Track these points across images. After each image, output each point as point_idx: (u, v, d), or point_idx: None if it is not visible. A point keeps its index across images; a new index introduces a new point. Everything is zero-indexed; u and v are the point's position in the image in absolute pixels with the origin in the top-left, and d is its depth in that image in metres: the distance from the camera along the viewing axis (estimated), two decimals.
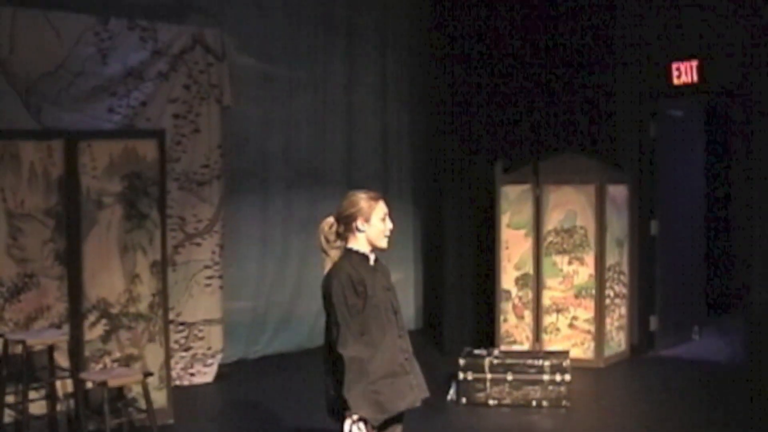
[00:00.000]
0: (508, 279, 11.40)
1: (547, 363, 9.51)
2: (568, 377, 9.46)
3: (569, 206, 11.17)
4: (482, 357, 9.63)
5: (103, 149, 8.66)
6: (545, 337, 11.23)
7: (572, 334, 11.16)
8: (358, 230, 5.35)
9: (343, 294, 5.19)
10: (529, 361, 9.57)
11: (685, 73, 11.15)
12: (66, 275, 8.54)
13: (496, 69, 11.90)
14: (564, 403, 9.44)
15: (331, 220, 5.42)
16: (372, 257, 5.43)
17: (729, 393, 9.92)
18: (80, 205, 8.57)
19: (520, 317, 11.34)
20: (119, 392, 8.31)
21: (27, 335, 8.15)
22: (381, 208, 5.41)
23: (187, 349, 10.43)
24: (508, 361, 9.58)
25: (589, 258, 11.12)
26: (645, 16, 11.53)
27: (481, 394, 9.54)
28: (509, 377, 9.50)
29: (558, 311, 11.19)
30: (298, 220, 11.88)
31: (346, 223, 5.37)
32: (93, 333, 8.66)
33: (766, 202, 10.41)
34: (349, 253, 5.36)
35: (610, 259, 11.24)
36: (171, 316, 9.65)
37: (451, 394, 9.67)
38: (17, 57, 9.20)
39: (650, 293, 11.77)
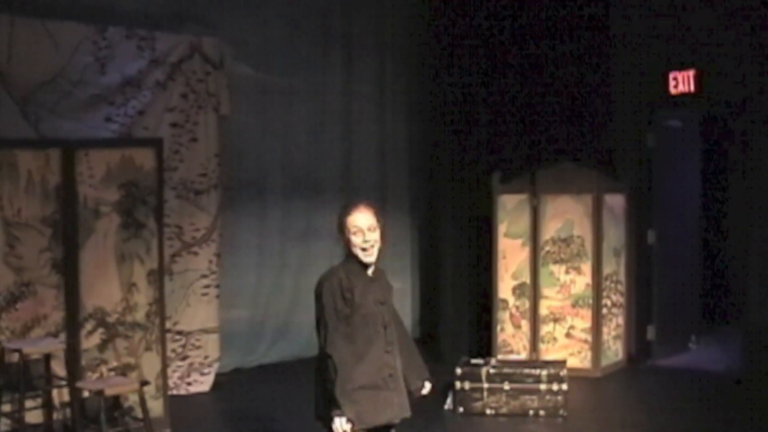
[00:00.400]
0: (505, 288, 11.40)
1: (544, 372, 9.50)
2: (565, 387, 9.46)
3: (566, 216, 11.18)
4: (479, 366, 9.62)
5: (100, 158, 8.66)
6: (542, 346, 11.23)
7: (569, 344, 11.16)
8: (343, 240, 5.44)
9: (332, 298, 5.27)
10: (526, 371, 9.56)
11: (682, 82, 11.16)
12: (63, 284, 8.54)
13: (493, 79, 11.91)
14: (561, 412, 9.44)
15: None
16: (371, 268, 5.47)
17: (726, 403, 9.92)
18: (77, 213, 8.57)
19: (518, 327, 11.34)
20: (116, 401, 8.30)
21: (24, 344, 8.14)
22: (351, 221, 5.43)
23: (183, 358, 10.42)
24: (506, 370, 9.58)
25: (587, 267, 11.12)
26: (642, 26, 11.54)
27: (478, 404, 9.53)
28: (506, 387, 9.50)
29: (555, 320, 11.19)
30: (295, 229, 11.89)
31: (340, 234, 5.50)
32: (90, 342, 8.65)
33: (763, 211, 10.42)
34: (347, 259, 5.42)
35: (608, 269, 11.25)
36: (168, 325, 9.64)
37: (448, 403, 9.67)
38: (15, 66, 9.20)
39: (647, 303, 11.76)
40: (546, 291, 11.24)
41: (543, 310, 11.24)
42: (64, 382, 8.45)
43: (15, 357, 8.04)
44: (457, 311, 11.96)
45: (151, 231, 8.90)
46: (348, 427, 5.15)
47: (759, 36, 10.38)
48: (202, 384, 10.52)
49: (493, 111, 11.95)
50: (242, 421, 9.50)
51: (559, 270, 11.21)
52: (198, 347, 10.51)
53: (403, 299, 13.42)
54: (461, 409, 9.55)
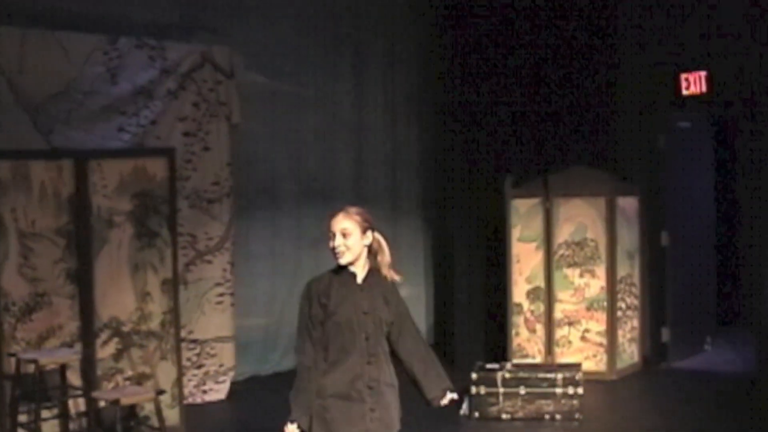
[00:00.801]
0: (519, 292, 11.38)
1: (559, 376, 9.49)
2: (580, 390, 9.45)
3: (579, 219, 11.17)
4: (494, 371, 9.62)
5: (113, 168, 8.69)
6: (557, 350, 11.21)
7: (584, 347, 11.14)
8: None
9: (308, 302, 5.23)
10: (542, 375, 9.55)
11: (693, 84, 11.14)
12: (77, 294, 8.57)
13: (504, 83, 11.91)
14: (577, 416, 9.43)
15: None
16: (361, 276, 5.32)
17: (742, 404, 9.90)
18: (91, 224, 8.60)
19: (532, 331, 11.32)
20: (132, 410, 8.32)
21: (39, 354, 8.17)
22: (329, 226, 5.30)
23: (199, 367, 10.43)
24: (521, 374, 9.57)
25: (600, 270, 11.11)
26: (652, 27, 11.52)
27: (493, 408, 9.52)
28: (522, 391, 9.49)
29: (570, 324, 11.18)
30: (308, 236, 11.88)
31: None
32: (105, 351, 8.68)
33: None
34: (338, 267, 5.31)
35: (621, 272, 11.23)
36: (183, 333, 9.65)
37: (464, 408, 9.65)
38: (26, 77, 9.23)
39: (662, 305, 11.74)
40: (560, 294, 11.22)
41: (557, 314, 11.23)
42: (79, 392, 8.48)
43: (31, 368, 8.06)
44: (472, 316, 11.95)
45: (164, 240, 8.93)
46: (293, 428, 5.11)
47: None
48: (218, 392, 10.53)
49: (504, 115, 11.94)
50: (258, 429, 9.50)
51: (573, 273, 11.20)
52: (213, 356, 10.52)
53: (417, 304, 13.42)
54: (477, 414, 9.54)
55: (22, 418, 8.25)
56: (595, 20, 11.75)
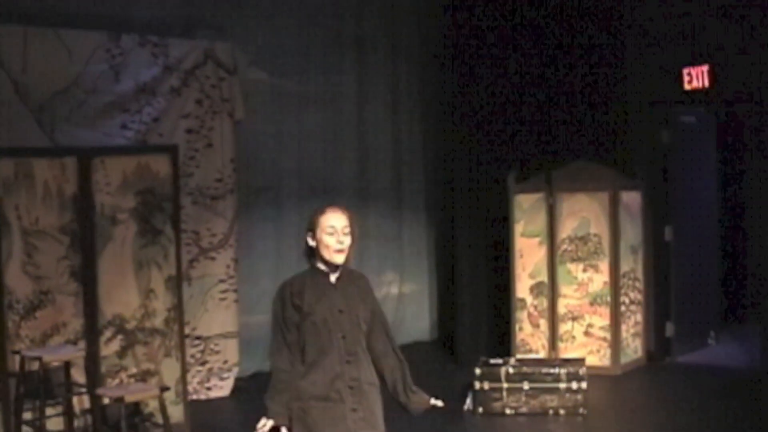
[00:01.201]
0: (522, 288, 11.39)
1: (563, 371, 9.50)
2: (584, 385, 9.45)
3: (583, 214, 11.17)
4: (498, 366, 9.62)
5: (116, 166, 8.70)
6: (561, 345, 11.22)
7: (588, 342, 11.15)
8: (309, 245, 5.25)
9: (281, 305, 5.19)
10: (545, 370, 9.56)
11: (696, 78, 11.12)
12: (81, 292, 8.57)
13: (506, 79, 11.90)
14: (581, 410, 9.43)
15: None
16: (334, 275, 5.25)
17: (747, 399, 9.89)
18: (94, 221, 8.61)
19: (536, 326, 11.33)
20: (136, 407, 8.33)
21: (43, 352, 8.18)
22: (326, 220, 5.21)
23: (203, 364, 10.45)
24: (524, 369, 9.58)
25: (604, 265, 11.11)
26: (655, 22, 11.51)
27: (497, 404, 9.53)
28: (525, 386, 9.50)
29: (573, 319, 11.18)
30: None
31: (306, 241, 5.32)
32: (109, 349, 8.68)
33: None
34: (311, 267, 5.27)
35: (625, 266, 11.23)
36: (187, 330, 9.65)
37: (468, 404, 9.67)
38: (29, 76, 9.24)
39: (666, 299, 11.74)
40: (564, 289, 11.23)
41: (561, 309, 11.23)
42: (84, 390, 8.48)
43: (35, 365, 8.07)
44: (475, 311, 11.94)
45: (168, 237, 8.94)
46: (269, 423, 5.10)
47: None
48: (222, 389, 10.55)
49: (507, 111, 11.93)
50: None
51: (576, 268, 11.20)
52: (217, 352, 10.53)
53: (421, 300, 13.47)
54: (481, 410, 9.55)
55: (27, 415, 8.26)
56: (599, 15, 11.74)
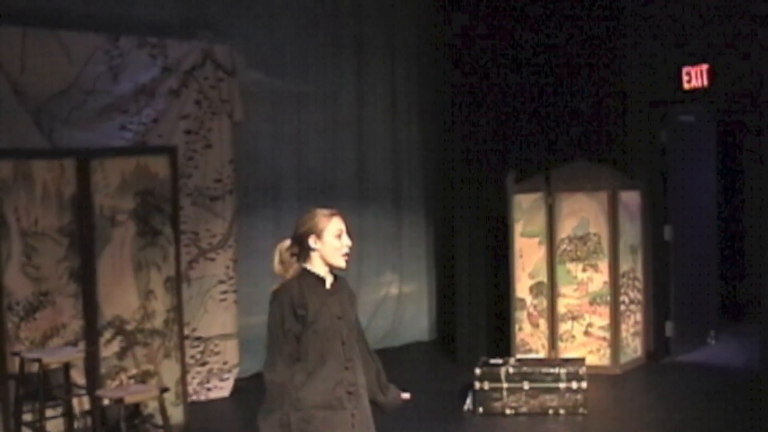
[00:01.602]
0: (522, 287, 11.39)
1: (563, 371, 9.50)
2: (584, 385, 9.45)
3: (582, 213, 11.17)
4: (498, 366, 9.62)
5: (115, 167, 8.70)
6: (561, 344, 11.22)
7: (588, 342, 11.15)
8: (311, 249, 5.11)
9: (281, 316, 5.03)
10: (545, 370, 9.56)
11: (695, 77, 11.13)
12: (81, 293, 8.58)
13: (505, 79, 11.90)
14: (581, 410, 9.43)
15: (287, 242, 5.24)
16: (329, 280, 5.15)
17: (746, 398, 9.89)
18: (94, 223, 8.61)
19: (535, 325, 11.33)
20: (136, 409, 8.33)
21: (43, 353, 8.18)
22: (335, 224, 5.12)
23: (203, 364, 10.44)
24: (524, 369, 9.58)
25: (603, 265, 11.11)
26: (654, 21, 11.52)
27: (497, 404, 9.53)
28: (525, 386, 9.49)
29: (573, 319, 11.18)
30: None
31: (300, 242, 5.17)
32: (109, 350, 8.69)
33: None
34: (303, 273, 5.13)
35: (624, 266, 11.23)
36: (186, 331, 9.66)
37: (468, 404, 9.67)
38: (28, 77, 9.24)
39: (665, 299, 11.74)
40: (563, 289, 11.23)
41: (561, 309, 11.23)
42: (83, 391, 8.49)
43: (35, 366, 8.07)
44: (475, 311, 11.94)
45: (167, 238, 8.94)
46: None
47: None
48: (222, 390, 10.55)
49: (506, 111, 11.94)
50: None
51: (576, 268, 11.20)
52: (217, 353, 10.53)
53: (420, 301, 13.47)
54: (481, 410, 9.54)
55: (27, 417, 8.26)
56: (598, 15, 11.74)
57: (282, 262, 5.22)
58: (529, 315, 11.36)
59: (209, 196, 10.47)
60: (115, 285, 8.68)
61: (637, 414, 9.64)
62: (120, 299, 8.72)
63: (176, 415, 8.86)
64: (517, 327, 11.42)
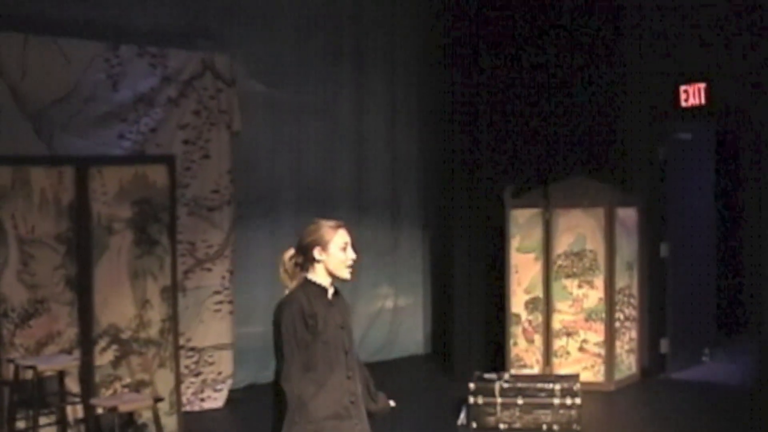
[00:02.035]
0: (517, 303, 11.38)
1: (557, 387, 9.49)
2: (578, 401, 9.45)
3: (579, 230, 11.17)
4: (492, 381, 9.62)
5: (113, 175, 8.70)
6: (555, 360, 11.21)
7: (582, 358, 11.14)
8: (315, 260, 5.13)
9: (293, 326, 4.98)
10: (540, 385, 9.55)
11: (693, 95, 11.15)
12: (77, 301, 8.57)
13: (504, 94, 11.90)
14: (575, 426, 9.42)
15: (291, 250, 5.25)
16: (331, 291, 5.17)
17: (741, 416, 9.89)
18: (91, 230, 8.61)
19: (530, 341, 11.32)
20: (130, 418, 8.31)
21: (38, 361, 8.17)
22: (341, 237, 5.16)
23: (197, 374, 10.42)
24: (519, 385, 9.58)
25: (599, 281, 11.11)
26: (652, 39, 11.55)
27: (491, 419, 9.52)
28: (520, 401, 9.49)
29: (568, 335, 11.17)
30: None
31: (305, 253, 5.17)
32: (103, 358, 8.68)
33: None
34: (306, 283, 5.14)
35: (620, 282, 11.23)
36: (181, 341, 9.66)
37: (462, 418, 9.66)
38: (28, 83, 9.23)
39: (661, 316, 11.74)
40: (559, 305, 11.22)
41: (556, 324, 11.22)
42: (78, 399, 8.47)
43: (29, 374, 8.05)
44: (470, 326, 11.92)
45: (164, 248, 8.94)
46: None
47: None
48: (216, 400, 10.53)
49: (504, 126, 11.93)
50: None
51: (571, 284, 11.19)
52: (211, 363, 10.51)
53: (416, 314, 13.46)
54: (474, 424, 9.53)
55: (20, 424, 8.25)
56: (597, 32, 11.76)
57: (286, 271, 5.22)
58: (524, 330, 11.35)
59: (206, 207, 10.46)
60: (111, 293, 8.68)
61: (631, 431, 9.63)
62: (116, 308, 8.71)
63: (170, 424, 8.85)
64: (512, 342, 11.41)
